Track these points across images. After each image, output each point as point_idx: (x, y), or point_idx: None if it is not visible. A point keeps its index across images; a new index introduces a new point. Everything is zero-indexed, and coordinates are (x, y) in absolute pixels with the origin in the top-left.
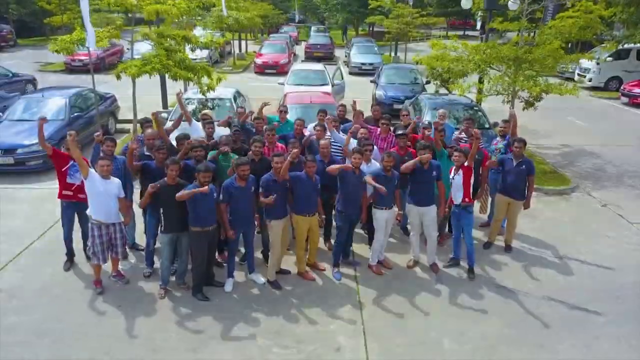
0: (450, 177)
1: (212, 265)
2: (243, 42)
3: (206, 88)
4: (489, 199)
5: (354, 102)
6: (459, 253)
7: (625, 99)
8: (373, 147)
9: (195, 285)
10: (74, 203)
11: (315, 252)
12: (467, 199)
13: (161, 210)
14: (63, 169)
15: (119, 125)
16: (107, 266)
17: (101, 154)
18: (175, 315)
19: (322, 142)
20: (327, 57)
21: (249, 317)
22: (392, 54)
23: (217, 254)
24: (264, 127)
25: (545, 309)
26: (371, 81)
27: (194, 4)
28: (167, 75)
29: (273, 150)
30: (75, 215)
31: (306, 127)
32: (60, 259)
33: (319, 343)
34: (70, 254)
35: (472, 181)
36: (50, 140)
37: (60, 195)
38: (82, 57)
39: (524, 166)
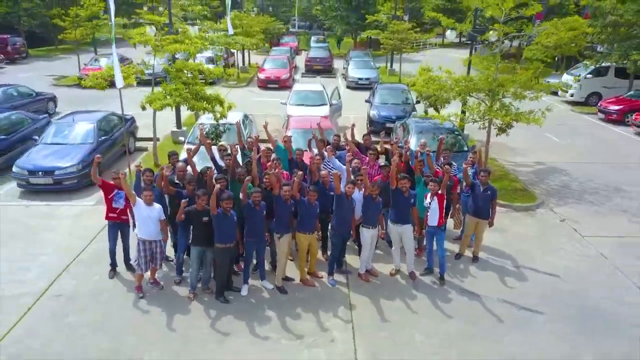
0: (427, 202)
1: (231, 274)
2: (246, 52)
3: (219, 115)
4: (462, 217)
5: (353, 126)
6: (432, 264)
7: (602, 115)
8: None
9: (218, 290)
10: (118, 223)
11: (315, 262)
12: (441, 221)
13: (191, 228)
14: (110, 196)
15: (138, 144)
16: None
17: (142, 184)
18: (202, 314)
19: (322, 172)
20: (326, 70)
21: (261, 316)
22: (388, 66)
23: (235, 264)
24: (272, 156)
25: (500, 310)
26: (366, 101)
27: (207, 42)
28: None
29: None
30: (119, 232)
31: (307, 150)
32: (104, 268)
33: (318, 336)
34: (114, 264)
35: (444, 204)
36: (82, 162)
37: (107, 217)
38: (93, 72)
39: (489, 192)
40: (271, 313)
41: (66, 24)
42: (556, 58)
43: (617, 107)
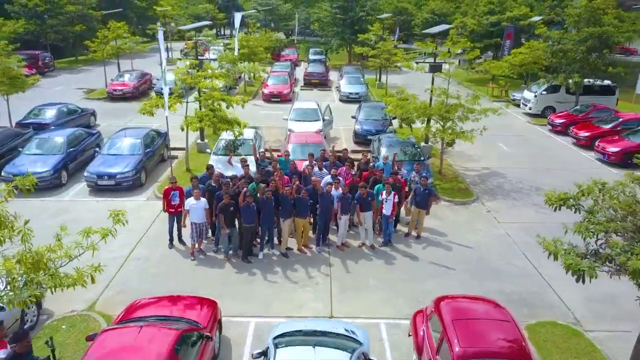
0: (382, 198)
1: (252, 244)
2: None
3: (237, 133)
4: (412, 207)
5: (346, 150)
6: (386, 239)
7: (550, 127)
8: (340, 180)
9: (244, 255)
10: (173, 214)
11: (307, 238)
12: (393, 211)
13: (223, 217)
14: (169, 197)
15: (170, 153)
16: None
17: (192, 188)
18: (233, 269)
19: (313, 178)
20: (322, 83)
21: (272, 270)
22: (378, 78)
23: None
24: (277, 166)
25: (428, 267)
26: (352, 117)
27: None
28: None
29: (284, 184)
30: (175, 219)
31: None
32: (164, 242)
33: (307, 282)
34: (171, 239)
35: (396, 199)
36: (134, 169)
37: (167, 210)
38: (120, 87)
39: (427, 191)
40: (278, 269)
41: (95, 45)
42: (524, 74)
43: (561, 121)
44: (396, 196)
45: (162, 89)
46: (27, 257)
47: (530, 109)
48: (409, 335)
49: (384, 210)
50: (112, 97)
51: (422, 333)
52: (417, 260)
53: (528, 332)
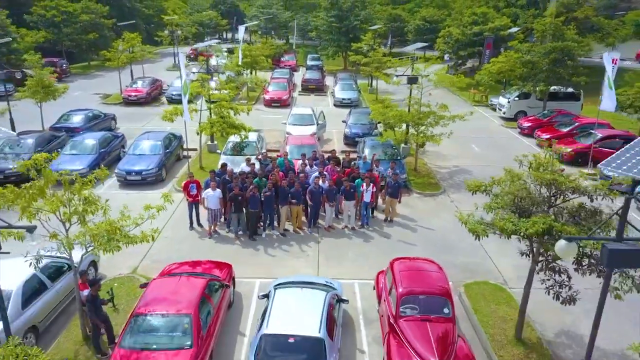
0: (363, 189)
1: (257, 226)
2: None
3: (244, 136)
4: (386, 197)
5: (334, 151)
6: (364, 222)
7: (519, 130)
8: (325, 175)
9: (250, 234)
10: (192, 202)
11: (301, 221)
12: (371, 200)
13: (233, 204)
14: (188, 189)
15: (185, 153)
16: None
17: (210, 180)
18: (242, 245)
19: (301, 175)
20: (318, 89)
21: (272, 245)
22: (370, 84)
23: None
24: (276, 164)
25: (397, 244)
26: (343, 121)
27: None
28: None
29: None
30: (193, 206)
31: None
32: (185, 225)
33: (301, 254)
34: (191, 223)
35: (374, 190)
36: (157, 166)
37: (188, 198)
38: (135, 93)
39: (397, 184)
40: (277, 244)
41: (111, 54)
42: (503, 80)
43: (528, 124)
44: (374, 187)
45: (172, 95)
46: (108, 224)
47: (504, 113)
48: (374, 289)
49: (364, 199)
50: (127, 102)
51: (381, 285)
52: (389, 239)
53: (465, 288)
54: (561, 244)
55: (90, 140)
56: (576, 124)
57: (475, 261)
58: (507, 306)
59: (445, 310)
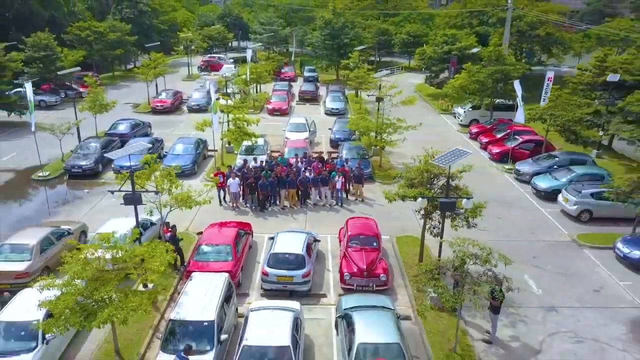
0: (337, 179)
1: (265, 203)
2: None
3: (255, 141)
4: (353, 183)
5: (321, 152)
6: (338, 201)
7: (469, 135)
8: (311, 169)
9: (260, 208)
10: (219, 187)
11: (294, 200)
12: (342, 187)
13: (249, 188)
14: (217, 176)
15: (208, 154)
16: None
17: (230, 172)
18: (255, 215)
19: (294, 169)
20: (313, 99)
21: (275, 215)
22: (356, 94)
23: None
24: (277, 161)
25: (359, 215)
26: (329, 128)
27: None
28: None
29: (285, 171)
30: (221, 190)
31: (294, 157)
32: (216, 202)
33: (294, 220)
34: (220, 201)
35: (343, 180)
36: (191, 162)
37: (218, 186)
38: (161, 103)
39: (360, 175)
40: (278, 214)
41: (141, 71)
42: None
43: (476, 130)
44: (343, 178)
45: (192, 105)
46: (185, 194)
47: (461, 121)
48: (338, 239)
49: (337, 185)
50: (155, 111)
51: (341, 235)
52: (353, 212)
53: (397, 239)
54: (420, 200)
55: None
56: (508, 130)
57: (406, 224)
58: (417, 247)
59: (374, 244)
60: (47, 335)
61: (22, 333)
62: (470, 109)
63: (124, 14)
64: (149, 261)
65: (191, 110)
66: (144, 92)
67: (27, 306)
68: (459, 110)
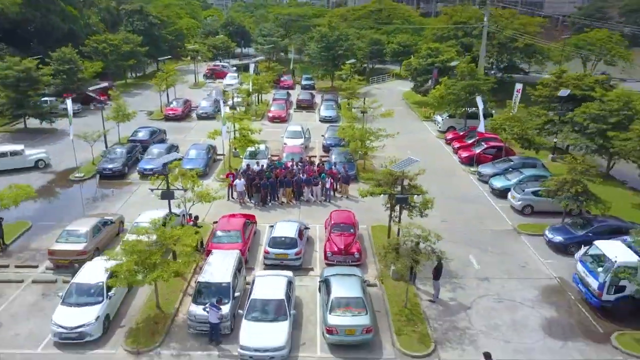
0: (326, 180)
1: (266, 199)
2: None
3: (257, 147)
4: (341, 182)
5: (314, 156)
6: (327, 198)
7: (445, 140)
8: (304, 172)
9: (262, 204)
10: (230, 185)
11: (290, 197)
12: (331, 186)
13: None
14: (227, 177)
15: (217, 158)
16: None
17: (237, 173)
18: (259, 208)
19: (292, 169)
20: (309, 106)
21: (275, 209)
22: (347, 103)
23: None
24: (276, 164)
25: (341, 205)
26: (322, 135)
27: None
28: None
29: (282, 173)
30: (230, 187)
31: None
32: (226, 198)
33: (289, 213)
34: (228, 197)
35: (332, 181)
36: (205, 165)
37: (230, 183)
38: (173, 112)
39: (347, 176)
40: (277, 208)
41: (156, 81)
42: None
43: (451, 136)
44: (331, 179)
45: (200, 113)
46: (205, 191)
47: (440, 128)
48: (324, 227)
49: (326, 185)
50: (167, 118)
51: (327, 223)
52: (339, 207)
53: (372, 228)
54: (382, 196)
55: (159, 149)
56: (476, 137)
57: (381, 216)
58: (386, 233)
59: (351, 230)
60: (109, 292)
61: (92, 291)
62: (447, 117)
63: (135, 26)
64: (183, 239)
65: (200, 117)
66: (155, 99)
67: (93, 273)
68: (438, 118)
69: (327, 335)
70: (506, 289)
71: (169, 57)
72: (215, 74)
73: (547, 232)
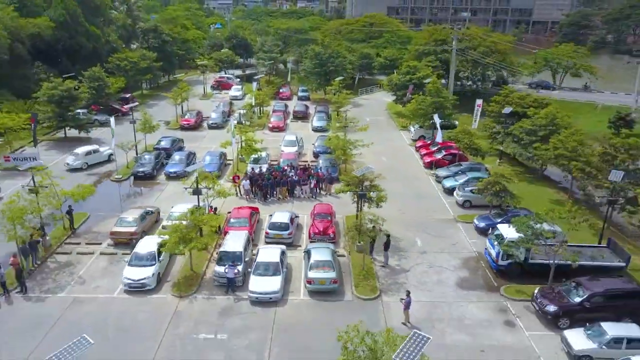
0: (313, 180)
1: (266, 196)
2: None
3: (259, 154)
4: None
5: (306, 162)
6: (314, 195)
7: (414, 147)
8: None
9: (264, 199)
10: (238, 185)
11: (286, 195)
12: (315, 185)
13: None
14: (234, 178)
15: (227, 162)
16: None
17: (243, 177)
18: (261, 203)
19: (287, 173)
20: (304, 117)
21: (273, 203)
22: (337, 114)
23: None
24: (274, 168)
25: (326, 200)
26: (312, 143)
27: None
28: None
29: (279, 175)
30: (237, 187)
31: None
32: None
33: (284, 206)
34: (237, 194)
35: (316, 182)
36: (218, 168)
37: (234, 183)
38: (187, 122)
39: (330, 177)
40: (276, 203)
41: (172, 95)
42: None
43: (420, 144)
44: (315, 180)
45: (211, 123)
46: (222, 189)
47: (412, 137)
48: (310, 215)
49: (311, 185)
50: (182, 127)
51: (311, 213)
52: (322, 201)
53: (346, 217)
54: (348, 193)
55: (181, 155)
56: (439, 146)
57: (354, 208)
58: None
59: (329, 218)
60: (159, 257)
61: (148, 256)
62: (418, 128)
63: (150, 43)
64: (209, 222)
65: (210, 127)
66: (170, 110)
67: (147, 245)
68: (412, 128)
69: (307, 285)
70: (437, 259)
71: (184, 73)
72: (222, 85)
73: (475, 220)
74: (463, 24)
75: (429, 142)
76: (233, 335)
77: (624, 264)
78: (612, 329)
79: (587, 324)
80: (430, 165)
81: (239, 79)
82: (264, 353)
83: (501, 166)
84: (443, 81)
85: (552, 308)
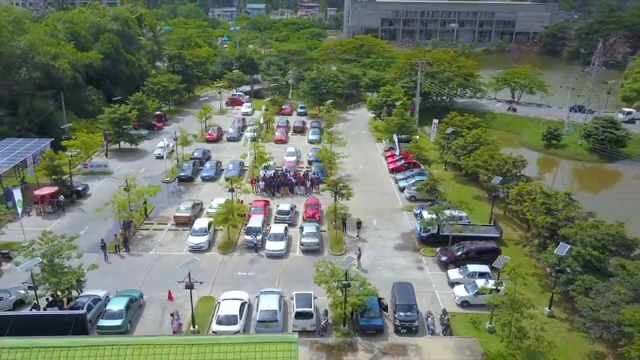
0: (308, 182)
1: (275, 193)
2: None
3: (268, 163)
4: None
5: (303, 168)
6: (308, 193)
7: (384, 156)
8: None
9: (272, 195)
10: (253, 185)
11: (288, 192)
12: (309, 186)
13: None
14: (252, 180)
15: (244, 168)
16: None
17: (260, 180)
18: (269, 197)
19: (288, 175)
20: (302, 131)
21: (280, 198)
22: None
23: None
24: (279, 173)
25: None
26: (307, 154)
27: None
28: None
29: (283, 178)
30: (253, 187)
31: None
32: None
33: (288, 201)
34: (254, 191)
35: (310, 183)
36: (239, 175)
37: (252, 184)
38: (210, 136)
39: (319, 179)
40: (280, 198)
41: (198, 113)
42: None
43: (389, 154)
44: (309, 182)
45: (229, 137)
46: (245, 188)
47: (384, 148)
48: (303, 206)
49: (306, 185)
50: (207, 140)
51: (304, 205)
52: (313, 197)
53: (329, 207)
54: (327, 191)
55: (213, 163)
56: (401, 155)
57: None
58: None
59: (316, 207)
60: (209, 230)
61: (202, 229)
62: (388, 141)
63: (175, 67)
64: (240, 209)
65: (229, 140)
66: (195, 124)
67: (201, 223)
68: (384, 141)
69: (301, 247)
70: (385, 233)
71: (206, 97)
72: (234, 102)
73: (415, 209)
74: (451, 38)
75: (394, 151)
76: (257, 274)
77: (498, 235)
78: (472, 267)
79: (461, 267)
80: (392, 171)
81: (247, 96)
82: (275, 282)
83: (446, 172)
84: (415, 99)
85: (444, 258)
